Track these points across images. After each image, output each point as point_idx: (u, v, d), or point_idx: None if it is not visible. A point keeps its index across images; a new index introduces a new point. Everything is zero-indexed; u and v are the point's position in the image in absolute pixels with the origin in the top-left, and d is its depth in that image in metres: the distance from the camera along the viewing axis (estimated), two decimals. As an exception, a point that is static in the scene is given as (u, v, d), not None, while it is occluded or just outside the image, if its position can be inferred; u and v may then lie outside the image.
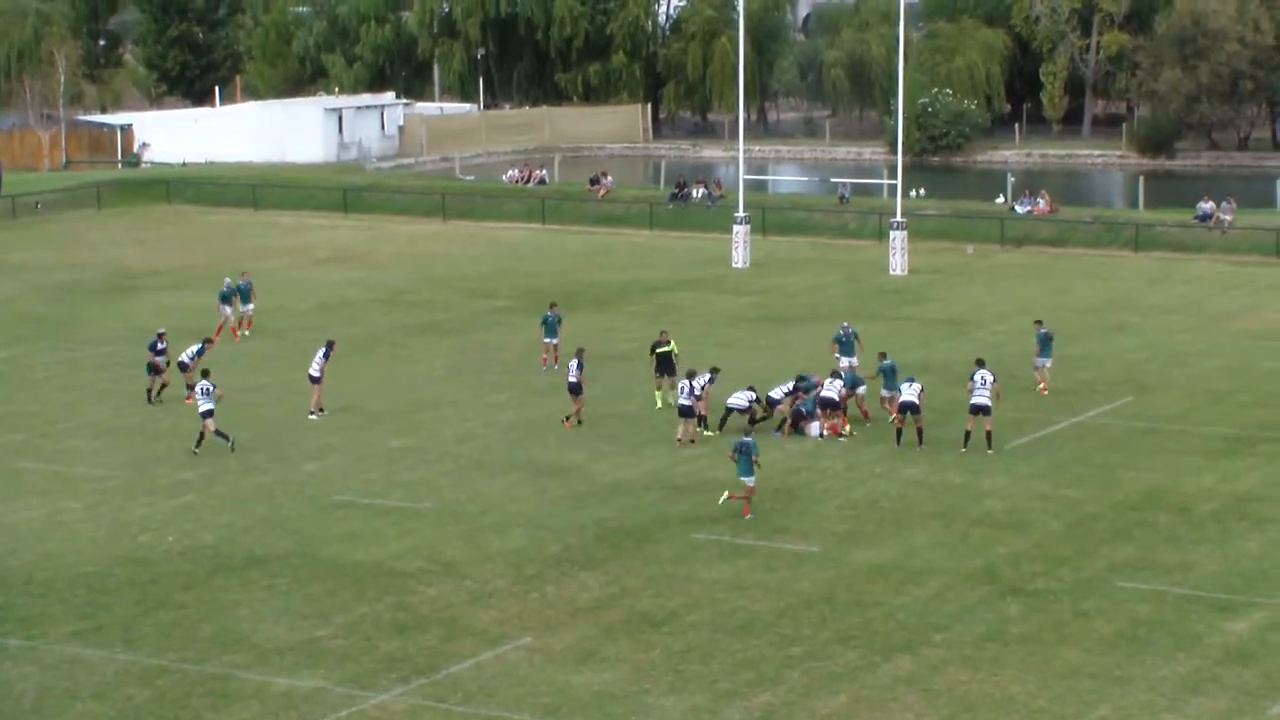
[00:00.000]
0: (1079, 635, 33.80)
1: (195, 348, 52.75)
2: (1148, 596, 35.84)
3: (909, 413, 47.25)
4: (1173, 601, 35.59)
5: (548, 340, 56.98)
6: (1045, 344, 53.88)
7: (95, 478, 44.96)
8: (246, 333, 62.97)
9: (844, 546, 39.27)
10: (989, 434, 46.63)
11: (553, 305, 58.64)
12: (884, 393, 50.03)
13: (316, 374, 51.12)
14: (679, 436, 47.87)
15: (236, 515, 41.71)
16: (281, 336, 62.78)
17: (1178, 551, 38.80)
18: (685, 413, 47.89)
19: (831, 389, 48.59)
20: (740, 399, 48.89)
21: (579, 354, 50.87)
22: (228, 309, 62.91)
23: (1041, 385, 53.46)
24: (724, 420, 48.80)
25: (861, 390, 50.07)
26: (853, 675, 31.96)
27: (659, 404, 51.55)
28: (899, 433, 47.60)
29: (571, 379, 49.92)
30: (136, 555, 38.80)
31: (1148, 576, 37.13)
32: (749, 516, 41.13)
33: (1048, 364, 53.88)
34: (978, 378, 47.06)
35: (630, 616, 34.96)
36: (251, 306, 63.97)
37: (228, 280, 64.16)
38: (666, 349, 52.30)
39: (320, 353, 51.59)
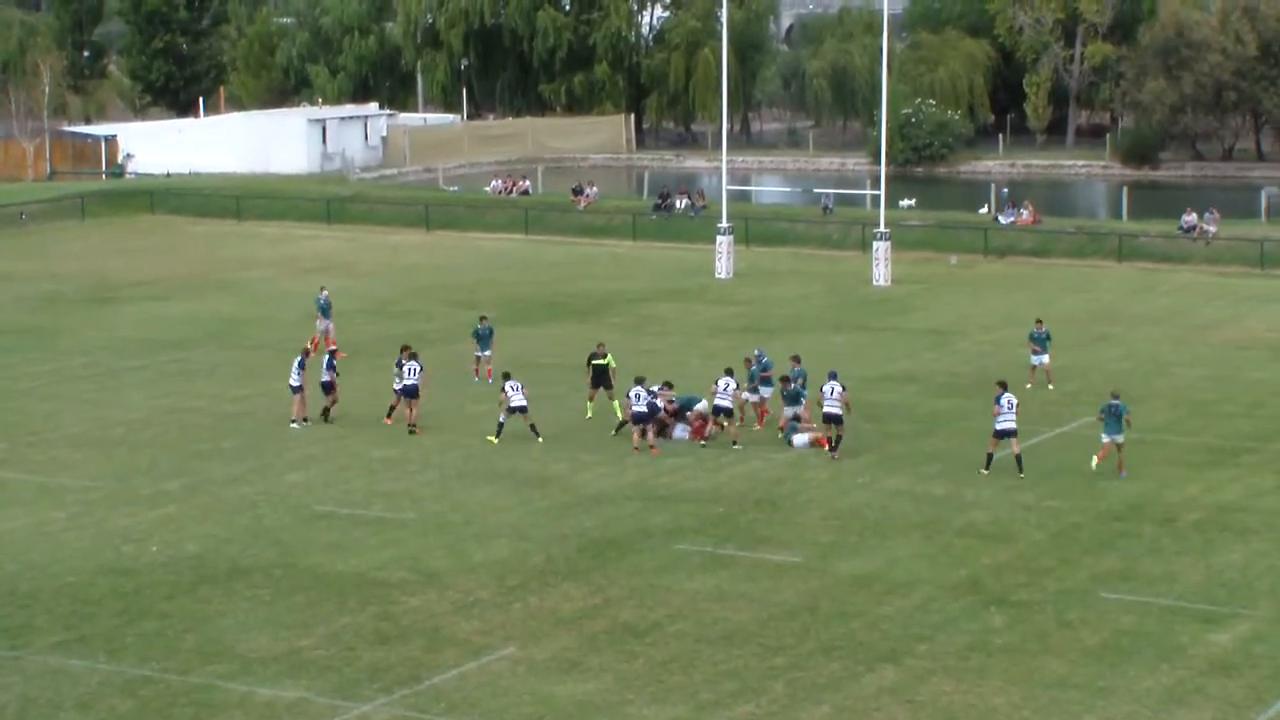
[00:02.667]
0: (1063, 646, 33.78)
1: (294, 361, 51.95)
2: (1132, 607, 35.83)
3: (832, 424, 47.19)
4: (1156, 612, 35.58)
5: (481, 353, 56.88)
6: (1043, 341, 55.52)
7: (78, 488, 44.84)
8: (329, 348, 58.10)
9: (827, 557, 39.24)
10: (1018, 456, 45.38)
11: (483, 318, 58.52)
12: (752, 398, 50.54)
13: (296, 384, 51.05)
14: (636, 445, 48.00)
15: (219, 526, 41.62)
16: (265, 347, 62.68)
17: (1161, 562, 38.81)
18: (640, 418, 47.99)
19: (725, 396, 48.22)
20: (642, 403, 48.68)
21: (405, 353, 50.91)
22: (324, 322, 61.86)
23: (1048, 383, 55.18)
24: (621, 426, 49.56)
25: (767, 393, 50.60)
26: (836, 686, 31.91)
27: (589, 413, 51.46)
28: (826, 441, 47.68)
29: (411, 381, 49.82)
30: (120, 566, 38.71)
31: (1132, 587, 37.13)
32: (1123, 474, 44.63)
33: (1045, 361, 55.32)
34: (1004, 401, 44.94)
35: (613, 627, 34.91)
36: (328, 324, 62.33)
37: (325, 292, 63.34)
38: (603, 362, 51.80)
39: (296, 362, 51.43)
